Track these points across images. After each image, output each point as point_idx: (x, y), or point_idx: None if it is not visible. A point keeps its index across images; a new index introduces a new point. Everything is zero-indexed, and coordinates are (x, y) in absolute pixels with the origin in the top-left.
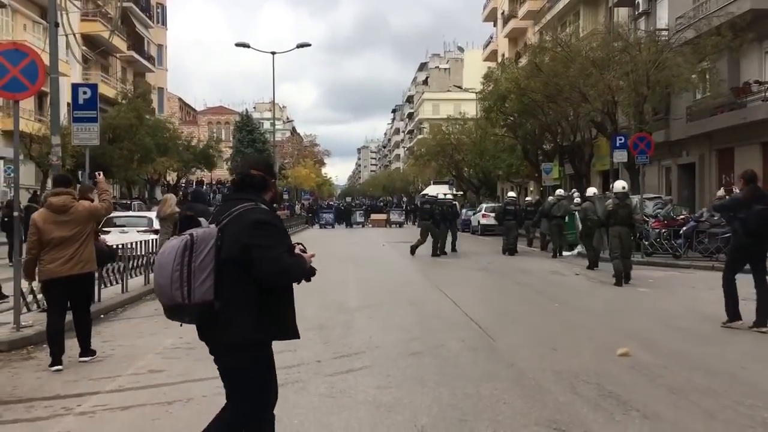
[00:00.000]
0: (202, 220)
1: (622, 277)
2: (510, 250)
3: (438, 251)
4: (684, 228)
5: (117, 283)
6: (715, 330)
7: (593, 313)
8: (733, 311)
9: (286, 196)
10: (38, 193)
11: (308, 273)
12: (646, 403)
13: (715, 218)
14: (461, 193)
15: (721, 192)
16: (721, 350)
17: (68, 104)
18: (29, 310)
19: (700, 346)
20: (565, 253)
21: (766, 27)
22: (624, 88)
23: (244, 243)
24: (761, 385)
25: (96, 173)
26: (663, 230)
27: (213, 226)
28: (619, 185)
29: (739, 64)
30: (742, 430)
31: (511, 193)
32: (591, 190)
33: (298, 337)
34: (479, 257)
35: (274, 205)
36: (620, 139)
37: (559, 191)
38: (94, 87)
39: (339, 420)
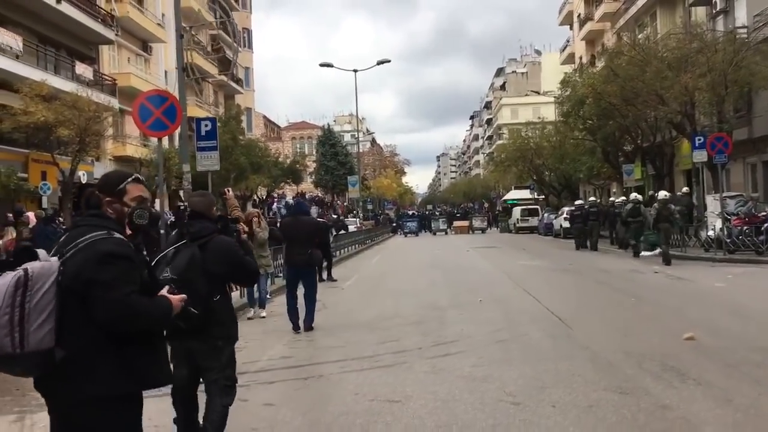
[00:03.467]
0: (41, 252)
1: (669, 258)
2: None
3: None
4: (766, 224)
5: None
6: None
7: (667, 306)
8: None
9: (369, 207)
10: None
11: (164, 319)
12: (701, 374)
13: None
14: (543, 197)
15: None
16: None
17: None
18: None
19: (763, 331)
20: (645, 253)
21: None
22: (702, 88)
23: (87, 278)
24: None
25: (225, 189)
26: (745, 227)
27: (54, 259)
28: (662, 194)
29: None
30: None
31: (591, 198)
32: (662, 194)
33: (171, 383)
34: (561, 259)
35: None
36: (699, 139)
37: (633, 195)
38: (213, 120)
39: (442, 389)
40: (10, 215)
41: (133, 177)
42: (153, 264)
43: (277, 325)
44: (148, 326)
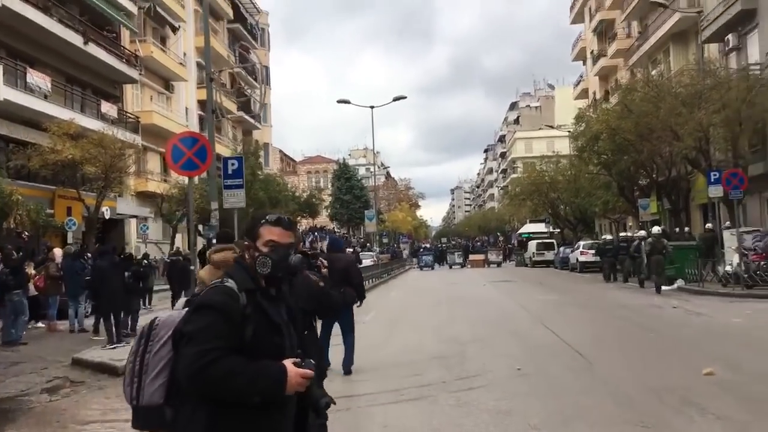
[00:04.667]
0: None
1: (661, 287)
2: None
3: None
4: None
5: None
6: None
7: (686, 340)
8: None
9: (385, 240)
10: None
11: (267, 389)
12: (721, 409)
13: None
14: (558, 230)
15: None
16: None
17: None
18: None
19: None
20: (663, 288)
21: None
22: (717, 123)
23: (178, 329)
24: None
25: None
26: (762, 262)
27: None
28: (656, 229)
29: None
30: None
31: (624, 233)
32: (655, 229)
33: None
34: (578, 293)
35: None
36: (715, 175)
37: (641, 232)
38: (240, 159)
39: (468, 421)
40: (48, 252)
41: (270, 218)
42: None
43: None
44: (240, 393)
